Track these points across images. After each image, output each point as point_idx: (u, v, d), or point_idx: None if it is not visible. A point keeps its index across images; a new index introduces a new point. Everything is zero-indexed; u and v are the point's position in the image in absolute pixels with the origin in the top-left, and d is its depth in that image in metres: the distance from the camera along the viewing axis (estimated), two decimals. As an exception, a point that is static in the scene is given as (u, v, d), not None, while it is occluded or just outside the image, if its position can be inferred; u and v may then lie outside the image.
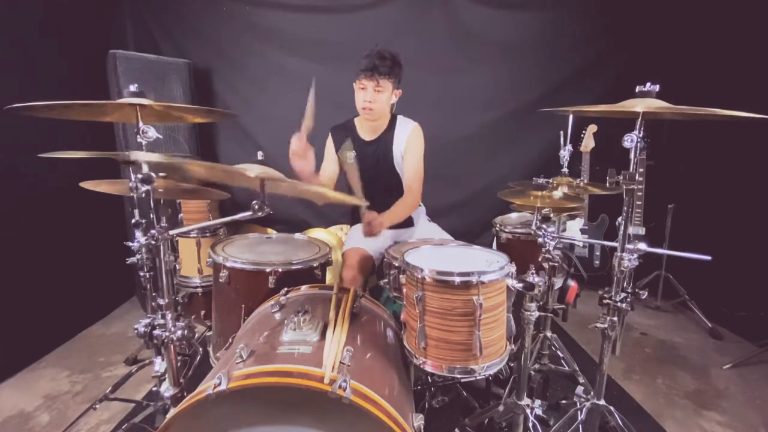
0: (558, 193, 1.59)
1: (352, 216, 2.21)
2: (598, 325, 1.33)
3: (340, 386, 0.81)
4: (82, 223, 2.44)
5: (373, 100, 1.88)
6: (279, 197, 1.31)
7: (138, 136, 1.07)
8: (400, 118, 2.06)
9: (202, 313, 2.00)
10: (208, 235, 1.99)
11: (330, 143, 2.08)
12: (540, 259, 1.55)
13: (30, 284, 2.15)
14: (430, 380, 1.73)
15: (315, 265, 1.55)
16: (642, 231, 2.67)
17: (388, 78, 1.86)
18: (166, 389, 1.14)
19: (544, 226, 1.51)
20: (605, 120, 2.16)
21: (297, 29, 2.95)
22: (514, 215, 2.26)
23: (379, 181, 2.01)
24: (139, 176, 1.03)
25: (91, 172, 1.60)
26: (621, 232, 1.28)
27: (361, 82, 1.87)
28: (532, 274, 1.18)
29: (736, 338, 2.52)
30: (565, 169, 1.71)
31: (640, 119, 1.19)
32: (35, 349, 2.18)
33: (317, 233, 2.72)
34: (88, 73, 2.53)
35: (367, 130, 2.03)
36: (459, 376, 1.18)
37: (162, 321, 1.09)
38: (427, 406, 1.69)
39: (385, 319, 1.34)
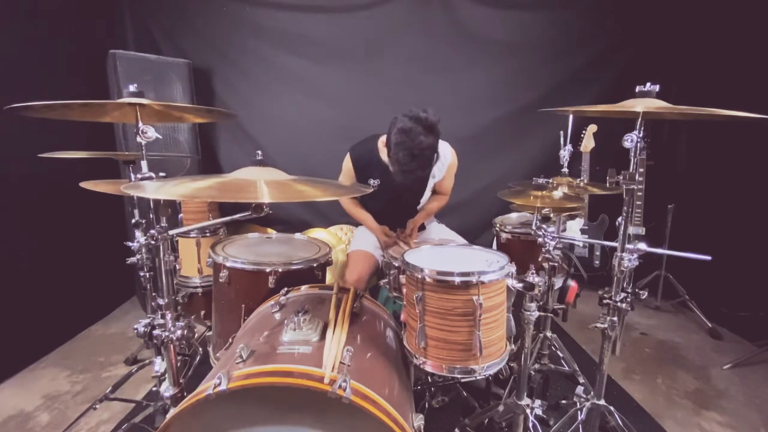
0: (558, 193, 1.60)
1: None
2: (598, 325, 1.33)
3: (340, 386, 0.81)
4: (82, 223, 2.44)
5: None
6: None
7: (138, 136, 1.06)
8: None
9: (202, 313, 2.00)
10: (208, 235, 1.99)
11: (348, 164, 1.95)
12: (540, 259, 1.56)
13: (30, 284, 2.15)
14: (430, 380, 1.73)
15: (315, 265, 1.55)
16: (642, 231, 2.66)
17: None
18: (166, 389, 1.14)
19: (544, 226, 1.51)
20: (605, 120, 2.17)
21: (297, 29, 2.95)
22: (514, 215, 2.26)
23: (401, 201, 2.01)
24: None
25: (91, 172, 1.60)
26: (621, 232, 1.28)
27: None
28: (532, 274, 1.17)
29: (736, 338, 2.52)
30: (565, 169, 1.71)
31: (640, 119, 1.19)
32: (35, 349, 2.18)
33: (317, 233, 2.72)
34: (88, 73, 2.53)
35: None
36: (459, 376, 1.18)
37: (162, 321, 1.09)
38: (427, 406, 1.69)
39: (385, 319, 1.34)
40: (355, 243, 2.12)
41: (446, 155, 1.98)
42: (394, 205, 1.99)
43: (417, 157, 1.57)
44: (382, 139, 1.79)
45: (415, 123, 1.55)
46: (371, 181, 1.66)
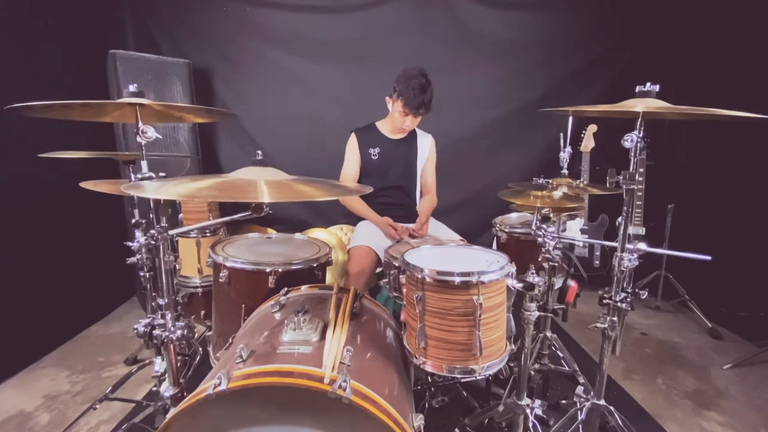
0: (558, 193, 1.59)
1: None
2: (598, 325, 1.33)
3: (340, 386, 0.81)
4: (82, 223, 2.44)
5: (412, 125, 2.15)
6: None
7: (138, 136, 1.07)
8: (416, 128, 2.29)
9: (202, 313, 2.00)
10: (208, 235, 1.99)
11: (354, 144, 2.23)
12: (540, 259, 1.56)
13: (30, 284, 2.15)
14: (430, 380, 1.73)
15: (315, 265, 1.55)
16: (642, 231, 2.67)
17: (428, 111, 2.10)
18: (166, 389, 1.14)
19: (544, 226, 1.51)
20: (605, 120, 2.17)
21: (297, 29, 2.95)
22: (514, 215, 2.26)
23: (399, 172, 2.26)
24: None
25: (91, 172, 1.60)
26: (621, 232, 1.28)
27: (404, 110, 2.04)
28: (532, 274, 1.17)
29: (736, 338, 2.52)
30: (564, 171, 1.71)
31: (640, 119, 1.19)
32: (35, 349, 2.18)
33: (317, 233, 2.72)
34: (88, 73, 2.53)
35: (391, 132, 2.25)
36: (459, 376, 1.18)
37: (162, 321, 1.09)
38: (427, 406, 1.69)
39: (385, 319, 1.34)
40: (355, 239, 2.15)
41: (428, 138, 2.33)
42: (393, 177, 2.25)
43: (425, 87, 2.00)
44: (379, 121, 2.28)
45: (418, 70, 2.03)
46: (371, 150, 2.21)
